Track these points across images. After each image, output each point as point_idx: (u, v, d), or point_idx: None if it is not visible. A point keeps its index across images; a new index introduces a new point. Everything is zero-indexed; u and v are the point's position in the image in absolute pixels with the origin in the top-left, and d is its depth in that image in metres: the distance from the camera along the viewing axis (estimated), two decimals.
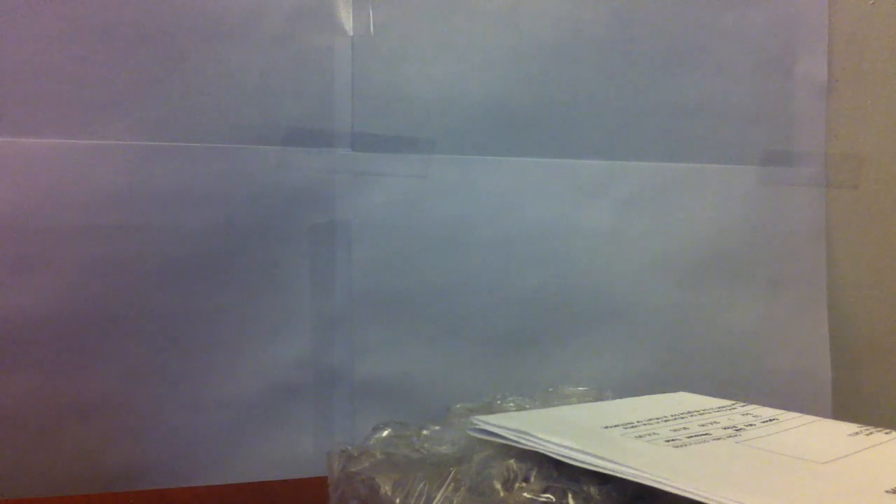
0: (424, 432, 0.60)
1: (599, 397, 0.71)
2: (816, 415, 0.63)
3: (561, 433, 0.53)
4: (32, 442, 0.78)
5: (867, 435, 0.57)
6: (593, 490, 0.48)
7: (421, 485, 0.51)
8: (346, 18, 0.85)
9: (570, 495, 0.48)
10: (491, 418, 0.58)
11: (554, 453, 0.51)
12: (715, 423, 0.61)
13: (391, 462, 0.55)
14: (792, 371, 1.00)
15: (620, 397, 0.95)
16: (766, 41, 0.98)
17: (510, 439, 0.54)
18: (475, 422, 0.57)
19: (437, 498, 0.50)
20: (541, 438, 0.52)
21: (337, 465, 0.56)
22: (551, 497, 0.48)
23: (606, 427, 0.57)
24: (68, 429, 0.79)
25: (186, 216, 0.81)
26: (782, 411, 0.65)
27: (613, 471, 0.48)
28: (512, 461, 0.52)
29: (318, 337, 0.86)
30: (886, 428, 0.59)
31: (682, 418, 0.62)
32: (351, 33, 0.85)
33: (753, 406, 0.67)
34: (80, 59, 0.78)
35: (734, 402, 0.70)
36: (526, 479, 0.50)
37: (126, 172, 0.80)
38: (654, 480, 0.46)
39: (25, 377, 0.78)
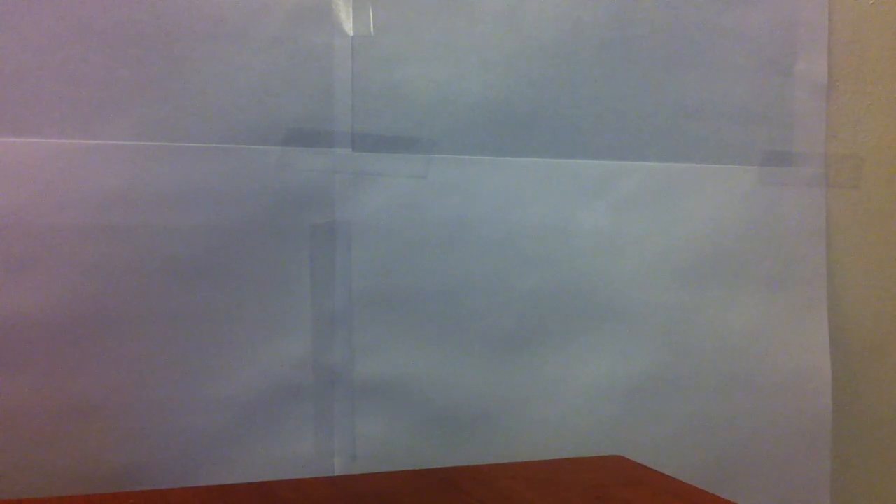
0: None
1: None
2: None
3: None
4: (32, 442, 0.78)
5: None
6: None
7: None
8: (346, 18, 0.85)
9: None
10: None
11: None
12: None
13: None
14: (792, 371, 1.00)
15: (619, 398, 0.95)
16: (766, 41, 0.98)
17: None
18: None
19: None
20: None
21: None
22: None
23: None
24: (68, 429, 0.79)
25: (186, 216, 0.81)
26: None
27: None
28: None
29: (318, 337, 0.86)
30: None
31: None
32: (351, 33, 0.85)
33: None
34: (80, 59, 0.78)
35: None
36: None
37: (126, 172, 0.80)
38: None
39: (25, 377, 0.78)
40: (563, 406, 0.93)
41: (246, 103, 0.82)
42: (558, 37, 0.91)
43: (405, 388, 0.88)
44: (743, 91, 0.98)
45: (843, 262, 1.03)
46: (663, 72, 0.95)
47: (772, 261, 0.99)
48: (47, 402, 0.79)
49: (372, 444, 0.87)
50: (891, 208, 1.05)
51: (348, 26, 0.85)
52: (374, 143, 0.86)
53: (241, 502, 0.68)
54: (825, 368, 1.01)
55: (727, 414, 0.98)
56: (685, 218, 0.96)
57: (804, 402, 1.00)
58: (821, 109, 1.01)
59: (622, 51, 0.93)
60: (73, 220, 0.78)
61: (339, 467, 0.87)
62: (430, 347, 0.89)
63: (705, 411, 0.97)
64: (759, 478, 0.99)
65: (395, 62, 0.86)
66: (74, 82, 0.78)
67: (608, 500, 0.71)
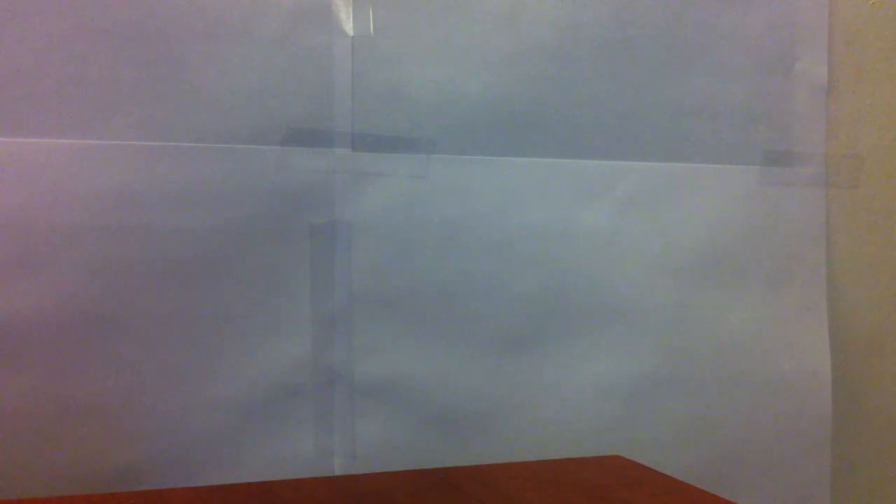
0: None
1: None
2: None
3: None
4: (32, 442, 0.78)
5: None
6: None
7: None
8: (346, 18, 0.85)
9: None
10: None
11: None
12: None
13: None
14: (792, 371, 1.00)
15: (619, 398, 0.95)
16: (766, 41, 0.98)
17: None
18: None
19: None
20: None
21: None
22: None
23: None
24: (68, 429, 0.79)
25: (186, 216, 0.81)
26: None
27: None
28: None
29: (318, 337, 0.86)
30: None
31: None
32: (351, 33, 0.85)
33: None
34: (80, 59, 0.78)
35: None
36: None
37: (126, 172, 0.80)
38: None
39: (25, 377, 0.78)
40: (564, 406, 0.93)
41: (246, 103, 0.82)
42: (558, 37, 0.91)
43: (405, 388, 0.88)
44: (743, 91, 0.98)
45: (843, 262, 1.03)
46: (663, 72, 0.95)
47: (772, 261, 0.99)
48: (47, 402, 0.79)
49: (372, 444, 0.87)
50: (891, 208, 1.05)
51: (348, 26, 0.85)
52: (374, 143, 0.86)
53: (241, 502, 0.69)
54: (825, 368, 1.01)
55: (727, 414, 0.98)
56: (685, 218, 0.96)
57: (804, 402, 1.00)
58: (821, 109, 1.01)
59: (622, 51, 0.93)
60: (73, 220, 0.78)
61: (339, 467, 0.87)
62: (430, 347, 0.89)
63: (705, 411, 0.97)
64: (759, 478, 0.99)
65: (395, 62, 0.86)
66: (74, 82, 0.78)
67: (608, 500, 0.71)
